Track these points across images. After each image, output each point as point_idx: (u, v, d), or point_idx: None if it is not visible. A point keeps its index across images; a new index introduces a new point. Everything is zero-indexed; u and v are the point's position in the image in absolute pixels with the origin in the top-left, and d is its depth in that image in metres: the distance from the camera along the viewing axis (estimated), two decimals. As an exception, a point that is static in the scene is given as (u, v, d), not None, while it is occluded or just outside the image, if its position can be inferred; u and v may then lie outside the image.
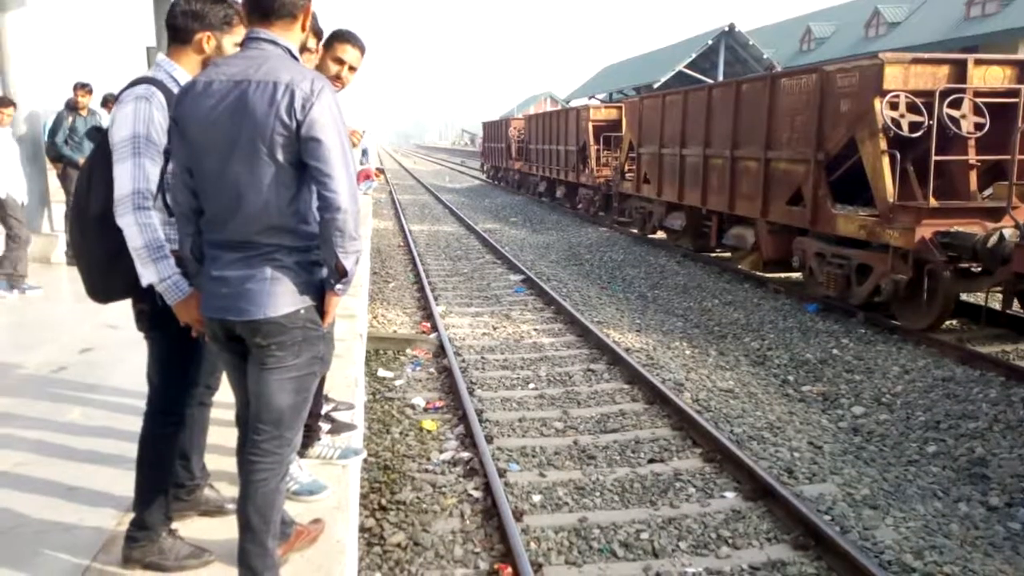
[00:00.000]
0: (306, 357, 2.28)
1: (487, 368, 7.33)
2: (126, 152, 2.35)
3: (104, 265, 2.49)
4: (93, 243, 2.49)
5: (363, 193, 12.38)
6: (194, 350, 2.60)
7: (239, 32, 2.53)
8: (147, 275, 2.37)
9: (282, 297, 2.20)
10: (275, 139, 2.10)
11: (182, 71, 2.51)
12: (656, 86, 31.42)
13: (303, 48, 2.50)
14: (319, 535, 2.75)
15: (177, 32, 2.50)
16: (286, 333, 2.22)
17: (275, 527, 2.30)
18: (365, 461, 4.95)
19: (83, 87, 8.64)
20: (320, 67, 3.32)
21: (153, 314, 2.51)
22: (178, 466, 2.80)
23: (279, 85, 2.10)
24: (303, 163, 2.14)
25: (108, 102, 8.82)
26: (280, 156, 2.12)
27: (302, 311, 2.23)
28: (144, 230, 2.34)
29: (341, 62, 3.36)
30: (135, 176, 2.35)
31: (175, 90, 2.43)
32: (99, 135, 2.56)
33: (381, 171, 35.40)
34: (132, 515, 2.57)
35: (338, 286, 2.23)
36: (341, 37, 3.39)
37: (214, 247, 2.25)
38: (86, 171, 2.52)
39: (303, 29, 2.32)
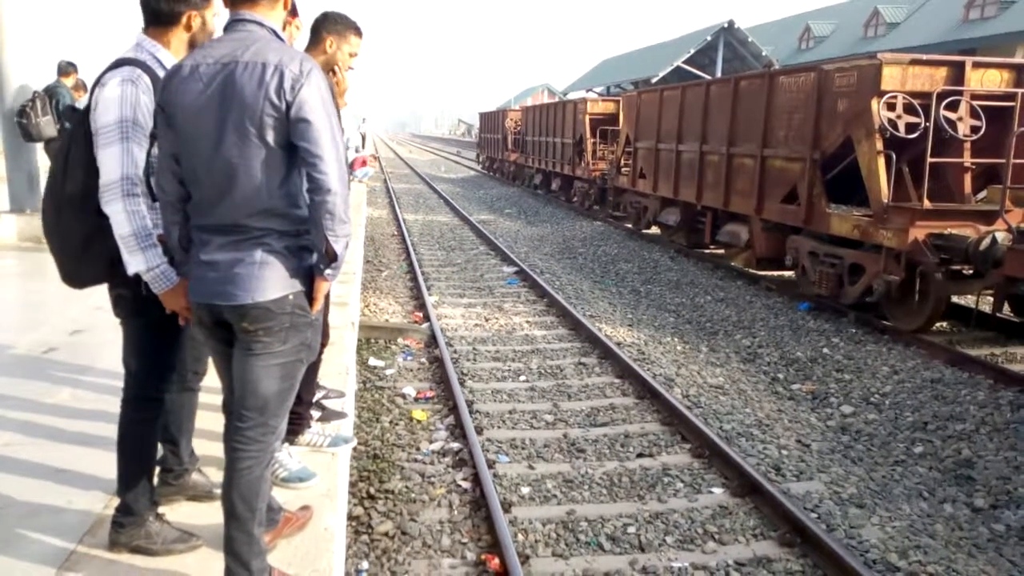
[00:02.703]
0: (293, 344, 2.26)
1: (478, 359, 7.33)
2: (114, 136, 2.31)
3: (79, 249, 2.45)
4: (68, 226, 2.45)
5: (358, 181, 12.32)
6: (174, 336, 2.58)
7: (214, 7, 2.52)
8: (134, 263, 2.33)
9: (271, 282, 2.18)
10: (265, 120, 2.08)
11: (165, 52, 2.48)
12: (654, 81, 31.40)
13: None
14: (307, 522, 2.74)
15: (160, 15, 2.46)
16: (274, 319, 2.20)
17: (260, 515, 2.28)
18: (354, 450, 4.95)
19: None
20: (329, 58, 3.31)
21: (133, 300, 2.47)
22: (167, 452, 2.80)
23: (268, 66, 2.08)
24: (293, 145, 2.12)
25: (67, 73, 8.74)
26: (270, 138, 2.10)
27: (291, 296, 2.21)
28: (132, 217, 2.31)
29: (354, 55, 3.41)
30: (123, 162, 2.31)
31: (159, 72, 2.39)
32: (75, 115, 2.51)
33: (376, 157, 35.32)
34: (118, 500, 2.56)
35: (327, 271, 2.21)
36: (354, 28, 3.38)
37: (203, 231, 2.22)
38: (62, 152, 2.46)
39: (285, 7, 2.32)
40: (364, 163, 6.34)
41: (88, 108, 2.40)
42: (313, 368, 3.49)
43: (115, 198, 2.31)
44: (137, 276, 2.37)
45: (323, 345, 3.49)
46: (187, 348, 2.70)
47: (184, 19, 2.47)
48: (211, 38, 2.53)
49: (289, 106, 2.08)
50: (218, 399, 2.65)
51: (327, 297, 3.48)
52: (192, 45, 2.51)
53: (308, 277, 2.26)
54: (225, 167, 2.12)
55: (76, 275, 2.52)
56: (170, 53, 2.48)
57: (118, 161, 2.31)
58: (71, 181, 2.40)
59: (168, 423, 2.74)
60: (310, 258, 2.25)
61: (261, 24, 2.21)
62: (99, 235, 2.37)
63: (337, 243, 2.16)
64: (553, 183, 22.98)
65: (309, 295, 2.27)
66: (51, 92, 8.24)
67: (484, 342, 7.92)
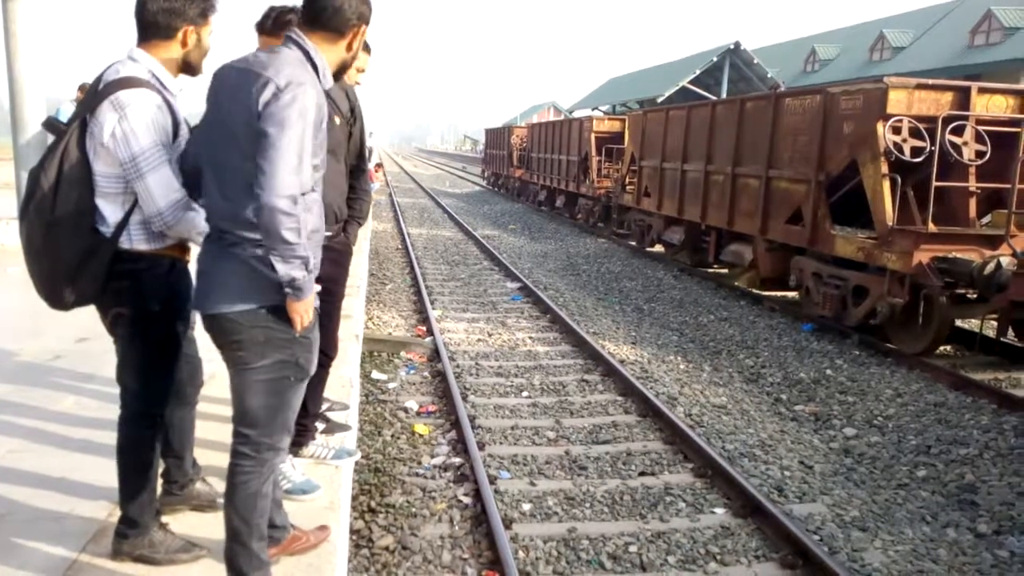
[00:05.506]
0: (273, 360, 2.19)
1: (481, 374, 7.33)
2: (157, 160, 2.33)
3: (72, 269, 2.36)
4: (61, 245, 2.35)
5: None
6: (174, 353, 2.57)
7: (210, 25, 2.50)
8: None
9: (239, 293, 2.13)
10: (248, 129, 2.07)
11: (162, 68, 2.44)
12: (660, 100, 31.58)
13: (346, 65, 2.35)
14: (313, 546, 2.68)
15: (158, 29, 2.41)
16: (243, 332, 2.15)
17: (259, 530, 2.27)
18: (356, 463, 4.94)
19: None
20: None
21: (133, 319, 2.44)
22: (171, 465, 2.80)
23: (262, 76, 2.08)
24: None
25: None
26: (246, 146, 2.08)
27: (263, 311, 2.15)
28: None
29: (362, 71, 3.47)
30: (176, 180, 2.37)
31: (162, 91, 2.41)
32: (67, 129, 2.38)
33: (380, 166, 35.58)
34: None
35: (287, 290, 2.11)
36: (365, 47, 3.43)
37: (205, 238, 2.27)
38: (55, 166, 2.33)
39: (348, 48, 2.28)
40: (371, 176, 6.39)
41: (84, 124, 2.34)
42: (319, 380, 3.50)
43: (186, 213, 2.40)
44: (137, 293, 2.40)
45: (330, 358, 3.50)
46: (183, 365, 2.70)
47: (180, 35, 2.43)
48: (206, 57, 2.54)
49: (259, 116, 2.06)
50: (223, 409, 2.66)
51: (335, 312, 3.51)
52: (187, 62, 2.49)
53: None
54: (215, 171, 2.17)
55: (66, 296, 2.42)
56: (167, 70, 2.45)
57: (173, 182, 2.37)
58: (64, 200, 2.32)
59: (170, 439, 2.74)
60: None
61: (301, 46, 2.19)
62: (94, 254, 2.35)
63: (283, 265, 2.06)
64: (558, 200, 23.05)
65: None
66: None
67: (487, 357, 7.92)
